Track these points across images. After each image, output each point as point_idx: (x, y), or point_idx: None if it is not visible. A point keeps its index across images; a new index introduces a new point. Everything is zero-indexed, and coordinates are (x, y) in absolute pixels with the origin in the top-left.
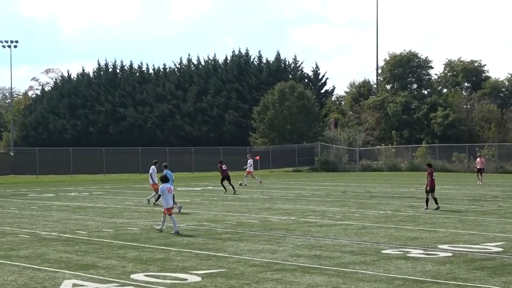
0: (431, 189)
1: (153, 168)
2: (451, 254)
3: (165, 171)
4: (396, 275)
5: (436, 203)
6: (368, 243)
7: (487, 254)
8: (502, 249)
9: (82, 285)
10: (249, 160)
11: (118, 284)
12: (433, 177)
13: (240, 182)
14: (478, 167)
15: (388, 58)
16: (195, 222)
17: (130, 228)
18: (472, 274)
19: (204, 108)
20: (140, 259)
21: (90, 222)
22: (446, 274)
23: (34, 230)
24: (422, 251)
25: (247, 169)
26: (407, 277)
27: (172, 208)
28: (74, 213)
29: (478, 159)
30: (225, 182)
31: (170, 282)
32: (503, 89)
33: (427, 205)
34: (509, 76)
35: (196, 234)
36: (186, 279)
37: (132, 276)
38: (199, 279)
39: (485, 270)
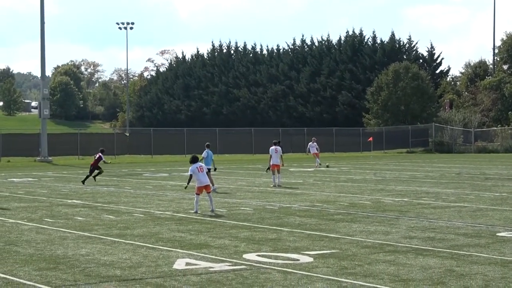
0: None
1: (279, 148)
2: None
3: (206, 150)
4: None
5: None
6: (483, 225)
7: None
8: None
9: (195, 264)
10: (312, 143)
11: (230, 264)
12: None
13: (326, 164)
14: None
15: (505, 38)
16: (307, 202)
17: (242, 208)
18: None
19: (317, 89)
20: (252, 239)
21: (203, 202)
22: None
23: (149, 210)
24: None
25: (314, 152)
26: None
27: (208, 185)
28: (187, 193)
29: None
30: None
31: (282, 262)
32: None
33: None
34: None
35: (309, 214)
36: (298, 260)
37: (245, 256)
38: (311, 259)
39: None
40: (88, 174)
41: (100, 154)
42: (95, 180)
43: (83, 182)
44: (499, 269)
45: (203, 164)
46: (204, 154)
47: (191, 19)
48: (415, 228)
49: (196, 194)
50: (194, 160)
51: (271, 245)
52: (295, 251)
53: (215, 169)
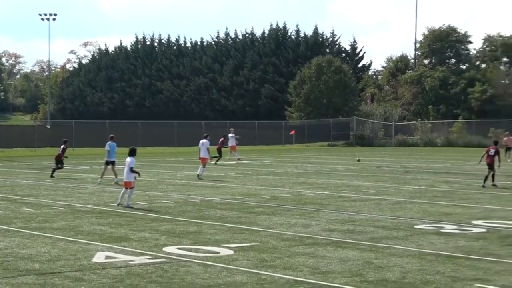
0: (488, 165)
1: (207, 142)
2: (485, 230)
3: (108, 142)
4: (429, 251)
5: (486, 181)
6: (402, 218)
7: None
8: None
9: (115, 257)
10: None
11: (150, 257)
12: (490, 154)
13: (238, 158)
14: (506, 145)
15: (426, 33)
16: (229, 195)
17: (164, 201)
18: (505, 250)
19: (240, 82)
20: (173, 232)
21: (125, 195)
22: (479, 250)
23: (69, 203)
24: (455, 227)
25: (232, 145)
26: (440, 252)
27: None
28: (108, 186)
29: (506, 137)
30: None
31: (202, 255)
32: None
33: (484, 183)
34: None
35: (230, 207)
36: (219, 252)
37: (165, 249)
38: (231, 252)
39: None
40: (55, 167)
41: (63, 146)
42: (52, 176)
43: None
44: (417, 261)
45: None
46: (106, 146)
47: (115, 11)
48: (335, 221)
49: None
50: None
51: (191, 238)
52: (215, 244)
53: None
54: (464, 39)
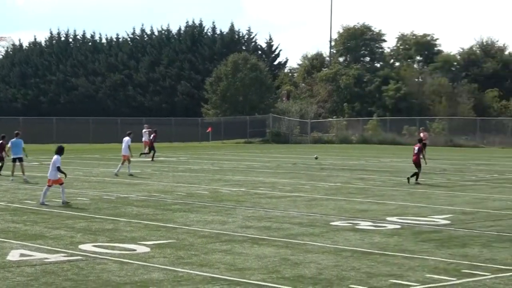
0: (415, 164)
1: (129, 139)
2: (399, 227)
3: (14, 139)
4: (344, 247)
5: (413, 176)
6: (318, 215)
7: (435, 227)
8: (449, 222)
9: (30, 255)
10: (145, 130)
11: (66, 255)
12: (415, 152)
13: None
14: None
15: (341, 31)
16: (145, 192)
17: (79, 198)
18: (419, 246)
19: (156, 79)
20: (89, 229)
21: (39, 192)
22: (394, 246)
23: None
24: (370, 223)
25: (145, 140)
26: (355, 248)
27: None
28: (23, 183)
29: (421, 134)
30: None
31: (118, 253)
32: (455, 63)
33: (410, 178)
34: (461, 50)
35: (146, 205)
36: (135, 250)
37: (81, 246)
38: (148, 249)
39: (432, 242)
40: None
41: (2, 141)
42: None
43: None
44: (332, 257)
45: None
46: (9, 143)
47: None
48: (252, 218)
49: (48, 185)
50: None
51: (107, 236)
52: (132, 241)
53: (26, 156)
54: (378, 38)
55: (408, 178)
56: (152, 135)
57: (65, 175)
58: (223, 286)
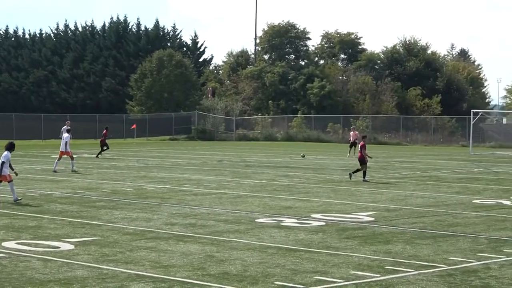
0: (359, 161)
1: (68, 136)
2: (323, 223)
3: None
4: (270, 244)
5: (356, 172)
6: (243, 212)
7: (359, 224)
8: (373, 219)
9: None
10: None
11: None
12: (360, 150)
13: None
14: (351, 140)
15: (266, 29)
16: (69, 189)
17: (2, 195)
18: (343, 243)
19: (80, 75)
20: (12, 226)
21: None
22: (318, 243)
23: None
24: (295, 220)
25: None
26: (280, 245)
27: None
28: None
29: (351, 132)
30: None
31: (42, 250)
32: (378, 62)
33: (352, 174)
34: (384, 49)
35: (70, 201)
36: (59, 247)
37: (4, 244)
38: (72, 247)
39: (356, 239)
40: None
41: None
42: None
43: None
44: (258, 254)
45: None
46: None
47: None
48: (177, 215)
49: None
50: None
51: (31, 233)
52: (56, 238)
53: None
54: (303, 36)
55: (350, 174)
56: (103, 132)
57: (16, 174)
58: (148, 283)
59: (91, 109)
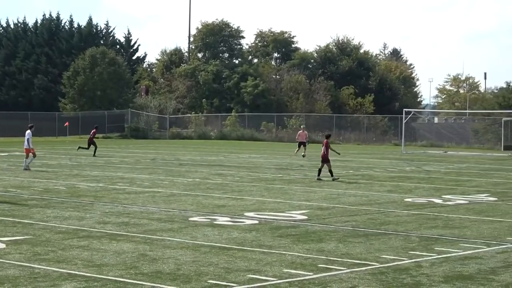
0: (323, 160)
1: (29, 132)
2: (257, 222)
3: None
4: (203, 242)
5: (332, 174)
6: (176, 210)
7: (292, 222)
8: (306, 217)
9: None
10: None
11: None
12: (325, 148)
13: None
14: (299, 140)
15: (200, 27)
16: (1, 188)
17: None
18: (277, 241)
19: (12, 72)
20: None
21: None
22: (251, 241)
23: None
24: (229, 219)
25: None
26: (214, 244)
27: None
28: None
29: (300, 131)
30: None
31: None
32: (312, 61)
33: (319, 174)
34: (318, 48)
35: (1, 200)
36: None
37: None
38: (3, 246)
39: (290, 237)
40: None
41: None
42: None
43: None
44: (191, 253)
45: None
46: None
47: None
48: (110, 214)
49: None
50: None
51: None
52: None
53: None
54: (236, 34)
55: (333, 178)
56: (92, 131)
57: None
58: (80, 282)
59: (23, 106)
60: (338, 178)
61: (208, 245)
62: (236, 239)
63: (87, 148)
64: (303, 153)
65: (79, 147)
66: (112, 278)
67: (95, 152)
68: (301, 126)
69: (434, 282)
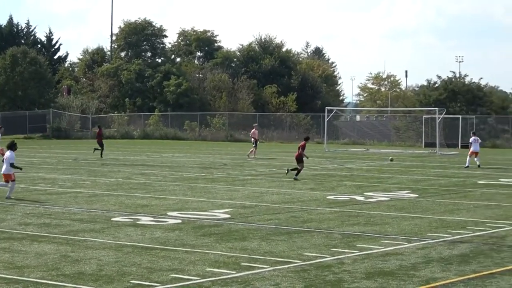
0: (296, 159)
1: None
2: (180, 221)
3: None
4: (126, 242)
5: (294, 170)
6: (99, 210)
7: (215, 221)
8: (229, 216)
9: None
10: None
11: None
12: (300, 149)
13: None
14: (253, 137)
15: (122, 26)
16: None
17: None
18: (200, 240)
19: None
20: None
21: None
22: (174, 241)
23: None
24: (152, 218)
25: None
26: (136, 244)
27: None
28: None
29: (253, 130)
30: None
31: None
32: (234, 59)
33: (290, 170)
34: (240, 46)
35: None
36: None
37: None
38: None
39: (213, 236)
40: None
41: None
42: None
43: None
44: (113, 253)
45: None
46: None
47: None
48: (31, 215)
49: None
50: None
51: None
52: None
53: None
54: (159, 33)
55: (288, 170)
56: (97, 132)
57: (21, 169)
58: (1, 284)
59: None
60: (297, 179)
61: (131, 245)
62: (159, 239)
63: (101, 149)
64: (248, 153)
65: (95, 149)
66: (34, 280)
67: (101, 153)
68: (254, 125)
69: (356, 279)
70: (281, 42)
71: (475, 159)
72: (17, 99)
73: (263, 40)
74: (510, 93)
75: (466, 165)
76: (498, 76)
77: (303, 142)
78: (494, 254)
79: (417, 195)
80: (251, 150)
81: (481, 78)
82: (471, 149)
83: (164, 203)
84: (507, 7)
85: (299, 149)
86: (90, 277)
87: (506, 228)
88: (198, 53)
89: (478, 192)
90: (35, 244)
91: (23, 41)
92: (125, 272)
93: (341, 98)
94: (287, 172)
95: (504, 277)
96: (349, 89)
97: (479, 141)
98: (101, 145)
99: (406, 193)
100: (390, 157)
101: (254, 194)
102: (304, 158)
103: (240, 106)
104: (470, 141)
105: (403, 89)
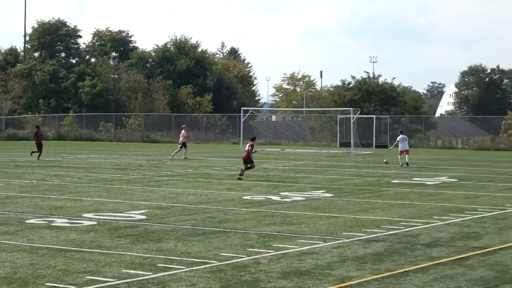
0: (244, 160)
1: None
2: (95, 223)
3: None
4: (40, 245)
5: (247, 170)
6: (12, 213)
7: (131, 222)
8: (145, 217)
9: None
10: None
11: None
12: (247, 149)
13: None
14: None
15: (36, 26)
16: None
17: None
18: (115, 241)
19: None
20: None
21: None
22: (90, 243)
23: None
24: (66, 220)
25: None
26: (51, 246)
27: None
28: None
29: (183, 131)
30: None
31: None
32: (150, 60)
33: (244, 172)
34: (156, 47)
35: None
36: None
37: None
38: None
39: (129, 237)
40: None
41: None
42: None
43: None
44: (28, 255)
45: None
46: None
47: None
48: None
49: None
50: None
51: None
52: None
53: None
54: (73, 33)
55: (242, 170)
56: (35, 131)
57: None
58: None
59: None
60: (242, 179)
61: (45, 248)
62: (74, 241)
63: (40, 152)
64: (184, 156)
65: (32, 152)
66: None
67: (38, 156)
68: (183, 126)
69: (272, 278)
70: (197, 42)
71: (406, 156)
72: None
73: (178, 41)
74: (423, 93)
75: (400, 163)
76: (411, 76)
77: (250, 142)
78: (408, 253)
79: (332, 195)
80: (176, 150)
81: (394, 78)
82: (400, 147)
83: (79, 205)
84: (420, 9)
85: (246, 150)
86: (4, 280)
87: (419, 227)
88: (113, 54)
89: (392, 191)
90: None
91: None
92: (40, 275)
93: (256, 98)
94: (241, 174)
95: (417, 275)
96: (265, 90)
97: (407, 139)
98: (40, 147)
99: (321, 192)
100: (384, 160)
101: (170, 195)
102: (253, 154)
103: (156, 106)
104: (397, 139)
105: (318, 89)
